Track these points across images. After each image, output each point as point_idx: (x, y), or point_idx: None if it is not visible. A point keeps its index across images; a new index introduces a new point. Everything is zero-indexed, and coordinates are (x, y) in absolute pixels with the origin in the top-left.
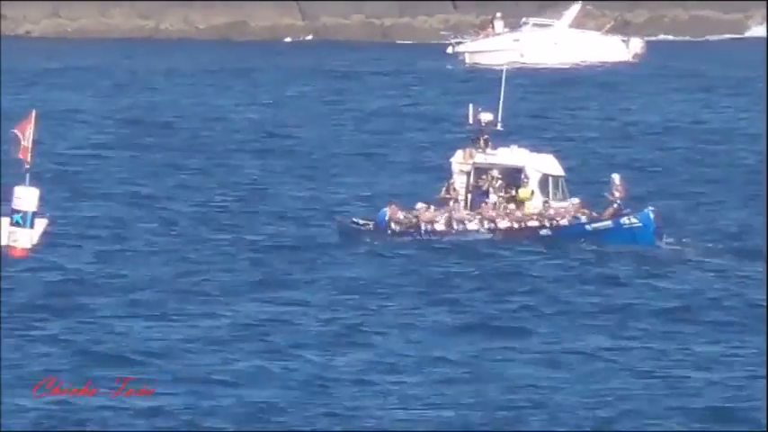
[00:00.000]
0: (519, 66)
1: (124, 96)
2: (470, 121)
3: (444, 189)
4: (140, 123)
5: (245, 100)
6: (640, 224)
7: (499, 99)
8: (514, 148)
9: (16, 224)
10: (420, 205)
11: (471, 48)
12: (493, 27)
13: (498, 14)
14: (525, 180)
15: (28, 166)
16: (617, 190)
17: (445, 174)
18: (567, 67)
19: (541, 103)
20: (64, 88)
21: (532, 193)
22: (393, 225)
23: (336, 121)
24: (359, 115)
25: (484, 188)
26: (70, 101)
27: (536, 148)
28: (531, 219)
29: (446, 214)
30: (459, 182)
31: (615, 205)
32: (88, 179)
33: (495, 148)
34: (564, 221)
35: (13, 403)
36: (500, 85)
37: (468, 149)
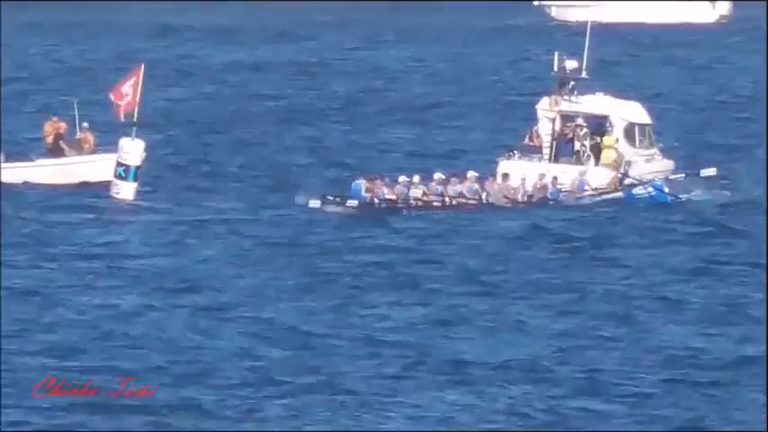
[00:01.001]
0: (604, 22)
1: None
2: (555, 68)
3: (528, 136)
4: None
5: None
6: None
7: (584, 49)
8: (600, 95)
9: (119, 177)
10: (402, 179)
11: (557, 1)
12: None
13: None
14: (610, 128)
15: (135, 120)
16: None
17: (530, 120)
18: (652, 24)
19: (626, 58)
20: None
21: (617, 140)
22: (375, 200)
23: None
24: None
25: (569, 136)
26: None
27: (622, 96)
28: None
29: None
30: (544, 129)
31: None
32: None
33: (580, 95)
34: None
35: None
36: (584, 37)
37: (553, 96)
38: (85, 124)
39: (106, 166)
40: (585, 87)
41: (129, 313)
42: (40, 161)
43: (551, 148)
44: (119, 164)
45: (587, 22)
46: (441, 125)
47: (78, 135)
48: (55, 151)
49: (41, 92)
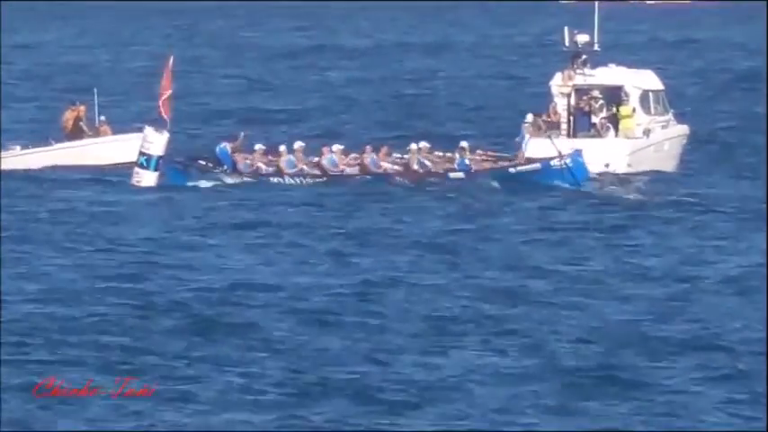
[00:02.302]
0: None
1: None
2: (566, 43)
3: (546, 113)
4: None
5: None
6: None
7: (594, 23)
8: (613, 66)
9: (140, 166)
10: (258, 146)
11: None
12: None
13: None
14: (625, 97)
15: (167, 118)
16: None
17: (545, 98)
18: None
19: (637, 32)
20: None
21: (634, 110)
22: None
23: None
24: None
25: (585, 109)
26: None
27: (634, 66)
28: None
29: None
30: (561, 104)
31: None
32: None
33: (593, 68)
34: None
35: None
36: (594, 13)
37: (566, 71)
38: (103, 117)
39: (125, 148)
40: (598, 60)
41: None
42: (60, 145)
43: (569, 123)
44: (141, 153)
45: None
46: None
47: (97, 124)
48: (74, 135)
49: (56, 85)
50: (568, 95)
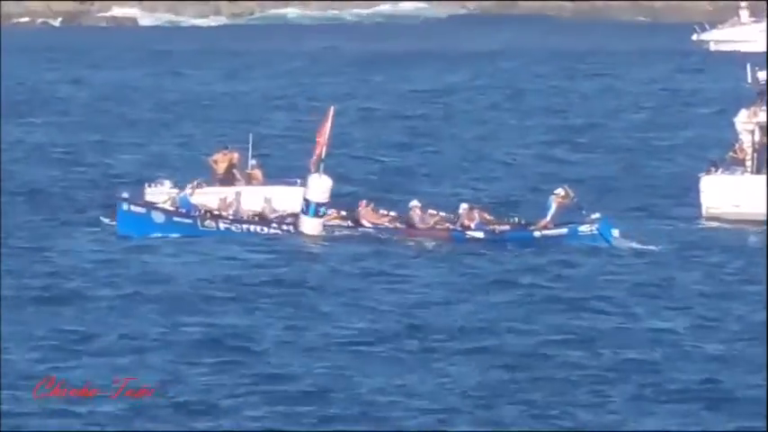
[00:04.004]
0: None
1: None
2: (749, 80)
3: (732, 150)
4: None
5: None
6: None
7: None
8: None
9: (302, 211)
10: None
11: (716, 36)
12: (738, 16)
13: (743, 4)
14: None
15: (322, 158)
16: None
17: (731, 135)
18: None
19: None
20: None
21: None
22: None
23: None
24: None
25: None
26: None
27: None
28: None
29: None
30: (746, 141)
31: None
32: None
33: None
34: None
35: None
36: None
37: (752, 108)
38: (253, 161)
39: (278, 196)
40: None
41: None
42: (211, 189)
43: (752, 159)
44: (303, 199)
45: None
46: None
47: (248, 170)
48: (226, 180)
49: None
50: (752, 132)
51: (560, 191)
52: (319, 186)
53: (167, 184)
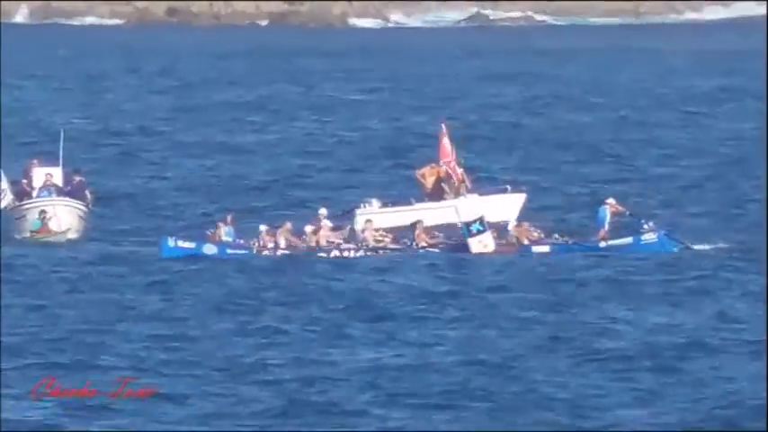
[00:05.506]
0: None
1: None
2: None
3: None
4: None
5: None
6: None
7: None
8: None
9: (477, 232)
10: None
11: None
12: None
13: None
14: None
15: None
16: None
17: None
18: None
19: None
20: None
21: None
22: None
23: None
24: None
25: None
26: None
27: None
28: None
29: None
30: None
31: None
32: None
33: None
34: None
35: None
36: None
37: None
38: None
39: (489, 209)
40: None
41: None
42: (421, 204)
43: None
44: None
45: None
46: None
47: (455, 184)
48: (435, 195)
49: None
50: None
51: (611, 200)
52: (469, 207)
53: (375, 204)
